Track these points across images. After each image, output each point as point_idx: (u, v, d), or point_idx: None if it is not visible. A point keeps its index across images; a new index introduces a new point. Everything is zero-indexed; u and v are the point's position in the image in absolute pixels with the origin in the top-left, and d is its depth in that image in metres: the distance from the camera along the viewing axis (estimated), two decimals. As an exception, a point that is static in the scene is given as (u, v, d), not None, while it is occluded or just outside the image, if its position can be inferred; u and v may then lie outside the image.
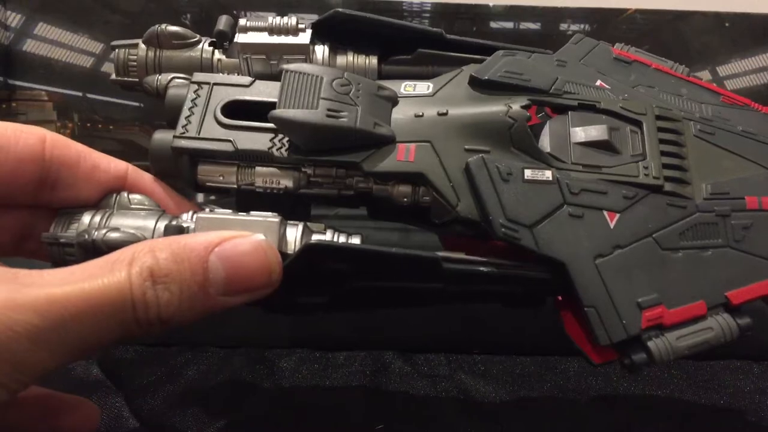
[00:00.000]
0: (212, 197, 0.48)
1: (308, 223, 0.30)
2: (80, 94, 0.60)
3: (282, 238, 0.29)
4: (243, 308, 0.27)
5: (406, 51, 0.35)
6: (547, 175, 0.29)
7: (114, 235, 0.28)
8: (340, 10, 0.33)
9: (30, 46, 0.59)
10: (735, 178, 0.31)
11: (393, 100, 0.32)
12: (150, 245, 0.25)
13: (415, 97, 0.32)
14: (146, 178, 0.33)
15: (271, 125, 0.30)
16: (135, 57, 0.35)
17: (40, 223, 0.32)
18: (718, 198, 0.31)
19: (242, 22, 0.34)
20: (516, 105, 0.30)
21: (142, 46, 0.35)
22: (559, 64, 0.34)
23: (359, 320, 0.48)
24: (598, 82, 0.33)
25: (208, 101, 0.31)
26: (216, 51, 0.35)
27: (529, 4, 0.61)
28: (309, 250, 0.27)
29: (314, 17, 0.35)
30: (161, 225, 0.29)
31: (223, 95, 0.32)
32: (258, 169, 0.31)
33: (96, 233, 0.28)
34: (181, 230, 0.28)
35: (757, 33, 0.59)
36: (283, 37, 0.33)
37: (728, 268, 0.30)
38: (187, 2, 0.62)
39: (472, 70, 0.32)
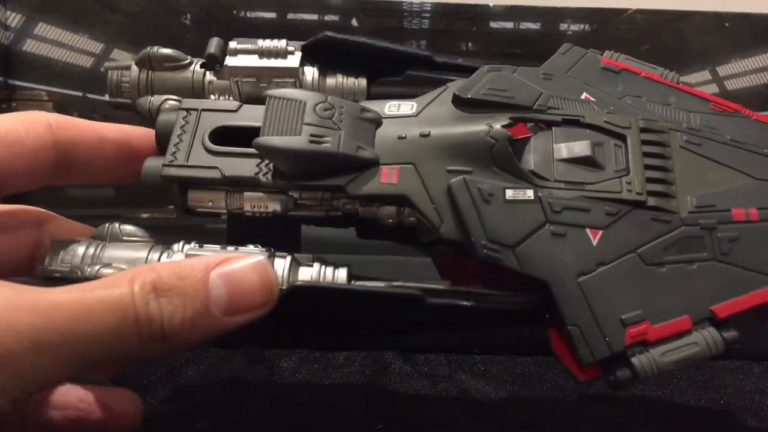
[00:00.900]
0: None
1: (296, 255, 0.30)
2: (80, 94, 0.60)
3: None
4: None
5: (395, 72, 0.35)
6: (529, 194, 0.29)
7: (107, 271, 0.28)
8: (329, 33, 0.34)
9: (30, 46, 0.59)
10: (721, 190, 0.31)
11: (377, 122, 0.32)
12: (150, 266, 0.26)
13: (399, 118, 0.32)
14: (150, 137, 0.33)
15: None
16: (128, 79, 0.35)
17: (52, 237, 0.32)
18: (703, 211, 0.30)
19: (232, 44, 0.34)
20: (497, 124, 0.30)
21: (135, 67, 0.35)
22: (545, 77, 0.33)
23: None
24: (584, 95, 0.33)
25: (197, 127, 0.32)
26: (207, 73, 0.35)
27: (529, 4, 0.61)
28: (293, 292, 0.28)
29: (308, 38, 0.35)
30: (153, 256, 0.30)
31: (212, 121, 0.32)
32: (246, 194, 0.32)
33: (89, 269, 0.28)
34: None
35: (757, 33, 0.59)
36: (272, 60, 0.34)
37: (714, 281, 0.29)
38: (187, 2, 0.62)
39: (456, 88, 0.32)
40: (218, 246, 0.30)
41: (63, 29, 0.60)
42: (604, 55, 0.36)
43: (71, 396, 0.30)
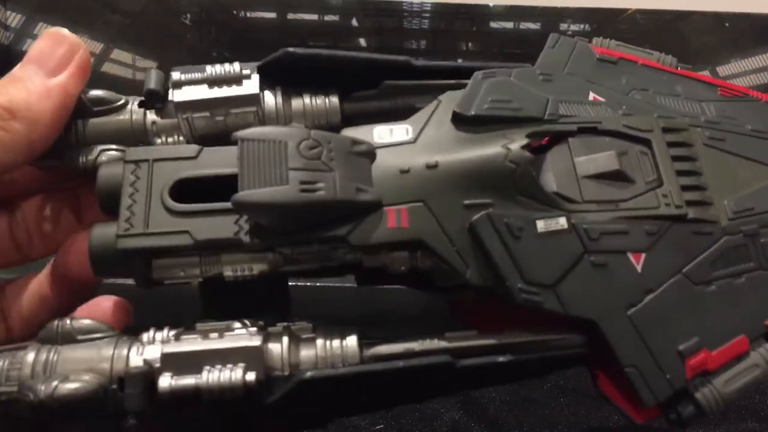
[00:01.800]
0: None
1: (292, 328, 0.26)
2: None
3: (267, 360, 0.25)
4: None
5: (369, 84, 0.30)
6: (562, 222, 0.26)
7: (66, 388, 0.23)
8: (290, 50, 0.29)
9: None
10: (756, 189, 0.29)
11: (371, 155, 0.27)
12: None
13: (395, 146, 0.28)
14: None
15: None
16: None
17: (62, 211, 0.31)
18: (743, 216, 0.28)
19: (175, 75, 0.28)
20: (515, 145, 0.27)
21: None
22: (544, 78, 0.30)
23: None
24: (591, 96, 0.30)
25: (151, 183, 0.26)
26: (148, 112, 0.29)
27: (529, 4, 0.61)
28: (300, 386, 0.24)
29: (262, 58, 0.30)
30: (120, 352, 0.25)
31: (168, 173, 0.27)
32: (225, 256, 0.26)
33: (42, 387, 0.23)
34: (148, 375, 0.24)
35: (757, 33, 0.59)
36: (225, 88, 0.28)
37: (764, 292, 0.27)
38: (187, 2, 0.62)
39: (453, 104, 0.28)
40: (197, 336, 0.25)
41: (63, 29, 0.60)
42: (594, 42, 0.33)
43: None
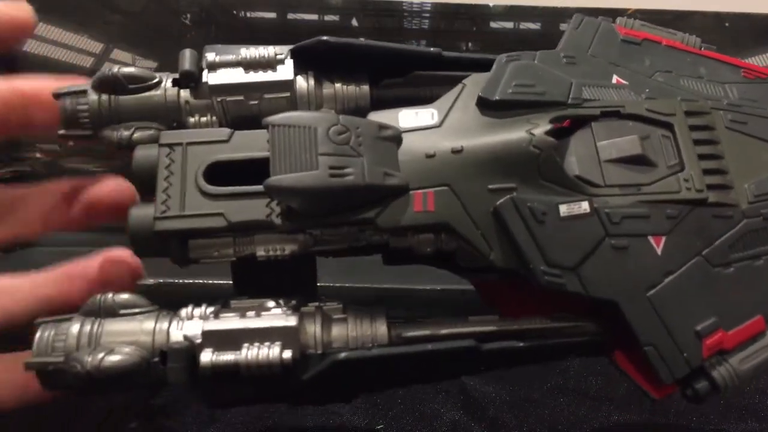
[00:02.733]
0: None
1: (324, 308, 0.28)
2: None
3: (302, 339, 0.26)
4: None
5: (398, 73, 0.32)
6: (585, 206, 0.27)
7: (111, 360, 0.24)
8: (324, 38, 0.29)
9: (30, 46, 0.60)
10: None
11: (398, 140, 0.28)
12: None
13: (421, 131, 0.29)
14: None
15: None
16: (86, 106, 0.29)
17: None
18: (763, 199, 0.29)
19: (210, 56, 0.29)
20: (539, 130, 0.27)
21: (92, 92, 0.29)
22: (568, 61, 0.31)
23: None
24: (615, 78, 0.30)
25: (185, 167, 0.27)
26: (182, 91, 0.30)
27: (529, 4, 0.61)
28: (334, 366, 0.26)
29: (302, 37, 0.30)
30: (161, 326, 0.26)
31: (201, 156, 0.28)
32: (258, 237, 0.27)
33: (89, 358, 0.24)
34: (189, 350, 0.25)
35: (757, 33, 0.59)
36: (261, 72, 0.29)
37: None
38: (187, 2, 0.62)
39: (477, 87, 0.29)
40: (235, 313, 0.26)
41: (63, 29, 0.60)
42: (618, 23, 0.33)
43: None
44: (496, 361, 0.28)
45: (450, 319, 0.28)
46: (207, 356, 0.25)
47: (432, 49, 0.31)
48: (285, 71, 0.29)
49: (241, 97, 0.29)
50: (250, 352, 0.25)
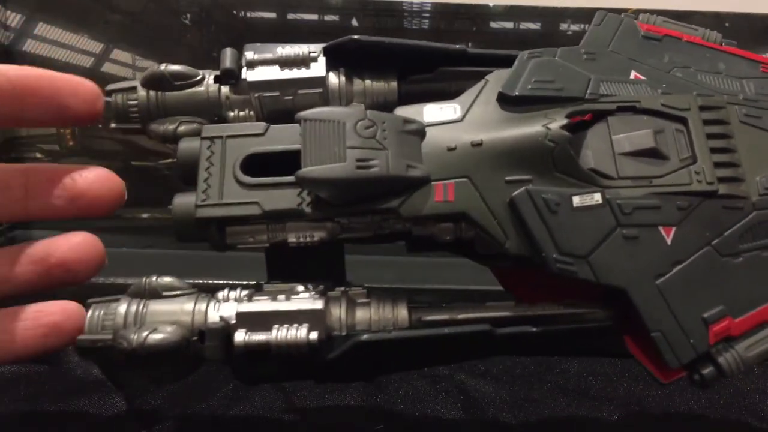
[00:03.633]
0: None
1: (349, 292, 0.29)
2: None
3: (328, 321, 0.28)
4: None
5: (425, 69, 0.33)
6: (597, 198, 0.28)
7: (154, 338, 0.27)
8: (355, 37, 0.31)
9: (30, 46, 0.60)
10: None
11: (421, 134, 0.30)
12: None
13: (444, 125, 0.30)
14: None
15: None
16: (135, 102, 0.32)
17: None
18: None
19: (249, 55, 0.31)
20: (554, 124, 0.28)
21: (141, 88, 0.32)
22: (588, 57, 0.31)
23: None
24: (633, 74, 0.31)
25: (224, 158, 0.30)
26: (222, 87, 0.32)
27: (529, 4, 0.61)
28: (357, 347, 0.27)
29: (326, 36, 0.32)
30: (200, 307, 0.28)
31: (239, 148, 0.30)
32: (289, 224, 0.29)
33: (134, 336, 0.27)
34: (225, 329, 0.28)
35: (757, 33, 0.59)
36: (295, 70, 0.31)
37: None
38: (187, 2, 0.62)
39: (499, 83, 0.30)
40: (267, 297, 0.28)
41: (63, 29, 0.60)
42: (640, 19, 0.34)
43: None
44: (510, 344, 0.29)
45: (469, 304, 0.29)
46: (241, 336, 0.27)
47: (457, 46, 0.32)
48: (318, 68, 0.31)
49: (277, 93, 0.31)
50: (280, 333, 0.27)
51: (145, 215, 0.67)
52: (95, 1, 0.61)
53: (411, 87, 0.33)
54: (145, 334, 0.27)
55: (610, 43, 0.32)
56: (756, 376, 0.46)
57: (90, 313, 0.28)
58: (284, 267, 0.30)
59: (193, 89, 0.32)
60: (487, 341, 0.28)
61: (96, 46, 0.60)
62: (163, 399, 0.42)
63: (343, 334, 0.28)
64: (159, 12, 0.62)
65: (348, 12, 0.65)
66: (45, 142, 0.65)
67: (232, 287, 0.29)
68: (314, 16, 0.66)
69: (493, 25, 0.64)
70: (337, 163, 0.27)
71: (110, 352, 0.27)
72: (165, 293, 0.29)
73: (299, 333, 0.27)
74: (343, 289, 0.30)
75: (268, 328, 0.27)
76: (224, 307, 0.28)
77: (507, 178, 0.28)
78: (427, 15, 0.64)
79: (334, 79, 0.32)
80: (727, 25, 0.58)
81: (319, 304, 0.28)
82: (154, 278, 0.29)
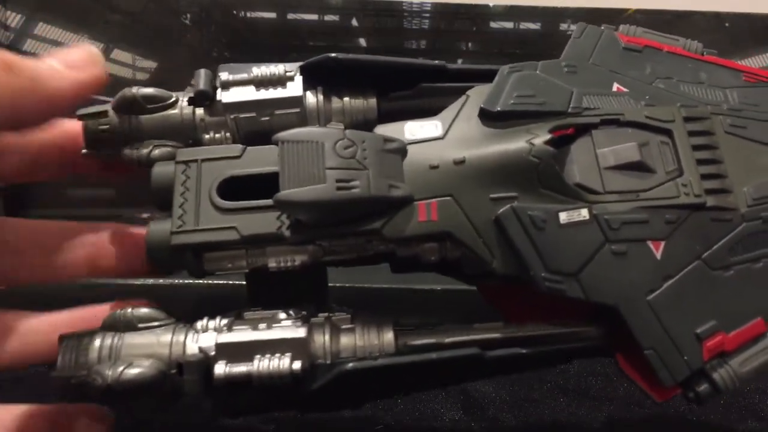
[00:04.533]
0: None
1: (332, 318, 0.28)
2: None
3: (311, 350, 0.27)
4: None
5: (405, 85, 0.32)
6: (584, 214, 0.27)
7: (130, 373, 0.25)
8: (332, 55, 0.30)
9: (30, 46, 0.60)
10: None
11: (403, 152, 0.29)
12: None
13: (425, 142, 0.29)
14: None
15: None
16: (107, 127, 0.31)
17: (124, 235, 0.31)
18: (762, 203, 0.29)
19: (223, 76, 0.30)
20: (538, 140, 0.28)
21: (112, 113, 0.31)
22: (569, 70, 0.31)
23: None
24: (615, 86, 0.31)
25: (200, 182, 0.29)
26: (197, 109, 0.31)
27: (529, 4, 0.61)
28: (342, 376, 0.27)
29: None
30: (178, 338, 0.27)
31: (215, 172, 0.29)
32: (269, 249, 0.29)
33: (110, 372, 0.25)
34: (204, 362, 0.26)
35: (757, 33, 0.59)
36: (271, 90, 0.30)
37: None
38: (187, 2, 0.62)
39: (481, 98, 0.30)
40: (248, 326, 0.27)
41: (63, 29, 0.60)
42: (620, 30, 0.34)
43: None
44: (500, 367, 0.28)
45: (456, 326, 0.29)
46: (221, 368, 0.26)
47: (436, 62, 0.32)
48: (294, 88, 0.30)
49: (253, 114, 0.30)
50: (262, 364, 0.26)
51: (145, 215, 0.67)
52: (95, 1, 0.61)
53: (391, 104, 0.32)
54: (120, 369, 0.25)
55: (591, 55, 0.32)
56: (756, 376, 0.46)
57: (62, 348, 0.27)
58: (266, 291, 0.29)
59: (167, 112, 0.31)
60: (476, 365, 0.28)
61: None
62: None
63: (328, 362, 0.27)
64: (159, 12, 0.62)
65: (348, 12, 0.65)
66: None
67: (211, 316, 0.28)
68: (314, 16, 0.65)
69: (493, 25, 0.64)
70: (317, 185, 0.26)
71: (85, 388, 0.26)
72: (140, 325, 0.28)
73: (282, 363, 0.26)
74: (326, 314, 0.29)
75: (250, 359, 0.26)
76: (203, 338, 0.27)
77: (491, 195, 0.28)
78: (427, 15, 0.64)
79: (311, 98, 0.31)
80: (727, 25, 0.58)
81: (301, 332, 0.27)
82: (129, 310, 0.28)
